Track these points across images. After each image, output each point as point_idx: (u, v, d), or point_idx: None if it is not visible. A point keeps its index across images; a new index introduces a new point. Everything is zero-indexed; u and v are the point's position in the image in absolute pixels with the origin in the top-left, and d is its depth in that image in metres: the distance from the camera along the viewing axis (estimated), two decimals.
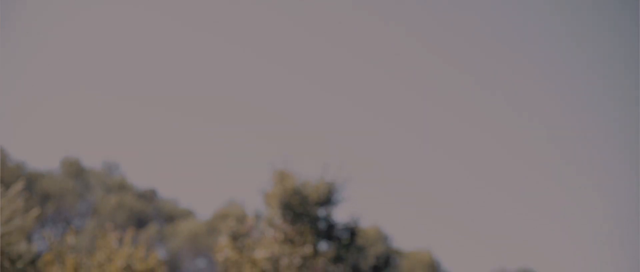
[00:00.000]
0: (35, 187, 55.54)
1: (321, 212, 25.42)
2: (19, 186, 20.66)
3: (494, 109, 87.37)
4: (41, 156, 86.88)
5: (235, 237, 24.45)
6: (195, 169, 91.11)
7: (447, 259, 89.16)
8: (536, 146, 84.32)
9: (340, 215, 25.89)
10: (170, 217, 61.63)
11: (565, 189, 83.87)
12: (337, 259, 25.02)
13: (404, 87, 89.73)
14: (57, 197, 56.54)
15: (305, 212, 24.79)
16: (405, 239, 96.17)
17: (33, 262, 22.25)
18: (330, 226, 25.53)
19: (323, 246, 25.51)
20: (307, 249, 24.13)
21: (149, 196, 62.14)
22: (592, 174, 76.20)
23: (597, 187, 76.14)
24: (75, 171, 60.29)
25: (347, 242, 25.65)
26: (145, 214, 59.49)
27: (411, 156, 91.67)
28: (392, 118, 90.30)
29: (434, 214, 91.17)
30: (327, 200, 25.34)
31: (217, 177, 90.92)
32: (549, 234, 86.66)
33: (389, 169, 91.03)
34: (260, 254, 23.90)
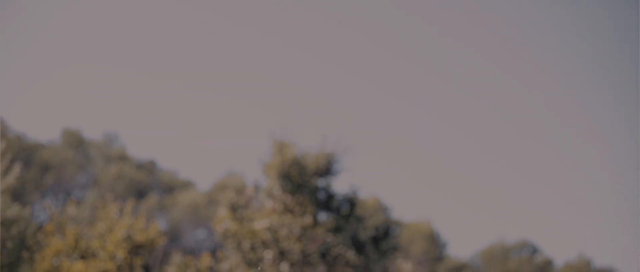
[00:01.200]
0: (35, 158, 55.59)
1: (320, 182, 25.45)
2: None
3: (494, 81, 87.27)
4: (41, 126, 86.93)
5: (234, 209, 24.49)
6: (195, 140, 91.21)
7: (447, 230, 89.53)
8: (538, 118, 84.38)
9: (340, 186, 25.95)
10: (170, 188, 61.73)
11: (566, 161, 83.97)
12: (337, 230, 25.08)
13: (404, 58, 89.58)
14: (58, 168, 56.61)
15: (304, 182, 24.81)
16: (405, 210, 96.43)
17: (33, 232, 22.33)
18: (330, 197, 25.57)
19: (322, 216, 25.57)
20: (307, 220, 24.19)
21: (148, 167, 62.22)
22: (594, 147, 76.26)
23: (598, 161, 76.20)
24: (76, 141, 60.31)
25: (346, 212, 25.70)
26: (145, 185, 59.59)
27: (412, 128, 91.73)
28: (392, 90, 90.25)
29: (435, 185, 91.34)
30: (327, 170, 25.36)
31: (217, 148, 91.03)
32: (549, 207, 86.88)
33: (389, 140, 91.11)
34: (260, 224, 23.95)
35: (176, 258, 18.82)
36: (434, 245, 59.01)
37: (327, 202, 25.52)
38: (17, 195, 47.84)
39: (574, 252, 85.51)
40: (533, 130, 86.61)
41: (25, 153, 54.70)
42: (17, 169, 22.68)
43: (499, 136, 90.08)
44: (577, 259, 61.12)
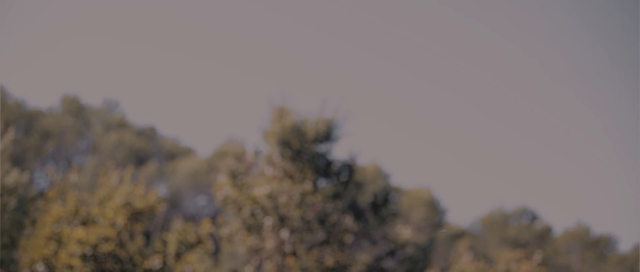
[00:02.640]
0: (35, 125, 55.63)
1: (320, 149, 25.45)
2: None
3: (493, 47, 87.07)
4: (41, 93, 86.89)
5: (234, 175, 24.51)
6: (196, 106, 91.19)
7: (447, 197, 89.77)
8: (538, 86, 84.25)
9: (339, 152, 25.97)
10: (170, 154, 61.81)
11: (566, 130, 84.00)
12: (336, 196, 25.13)
13: (402, 24, 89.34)
14: (58, 135, 56.67)
15: (304, 149, 24.82)
16: (405, 177, 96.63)
17: (34, 199, 22.42)
18: (329, 163, 25.59)
19: (322, 182, 25.60)
20: (306, 186, 24.22)
21: (148, 134, 62.26)
22: (594, 115, 76.25)
23: (598, 130, 76.23)
24: (75, 108, 60.32)
25: (345, 179, 25.73)
26: (145, 152, 59.66)
27: (413, 95, 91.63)
28: (392, 56, 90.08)
29: (435, 153, 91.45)
30: (326, 137, 25.35)
31: (218, 114, 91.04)
32: (549, 175, 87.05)
33: (389, 107, 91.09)
34: (260, 191, 23.99)
35: (177, 224, 18.86)
36: (434, 212, 59.21)
37: (327, 169, 25.54)
38: (18, 162, 47.93)
39: (573, 219, 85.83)
40: (533, 98, 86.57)
41: (25, 120, 54.75)
42: (11, 133, 22.67)
43: (500, 103, 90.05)
44: (576, 226, 61.37)
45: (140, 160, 57.56)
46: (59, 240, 17.36)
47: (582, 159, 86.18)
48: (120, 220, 17.51)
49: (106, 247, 17.13)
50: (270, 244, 24.12)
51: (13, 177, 21.50)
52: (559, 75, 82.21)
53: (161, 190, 55.00)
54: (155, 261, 17.56)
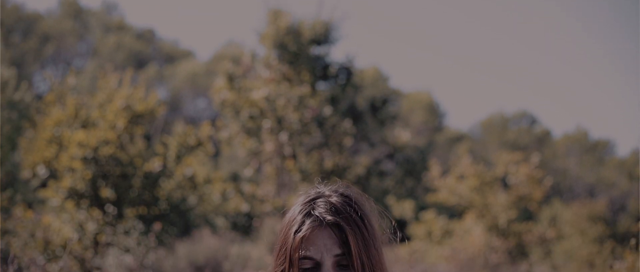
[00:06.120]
0: (34, 29, 55.41)
1: (317, 51, 25.42)
2: None
3: None
4: None
5: (232, 79, 24.54)
6: (195, 8, 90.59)
7: (447, 101, 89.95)
8: None
9: (338, 55, 25.98)
10: (169, 57, 61.72)
11: (565, 33, 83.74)
12: (334, 99, 25.20)
13: None
14: (57, 38, 56.49)
15: (300, 51, 24.79)
16: (405, 80, 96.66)
17: (33, 102, 22.49)
18: (327, 66, 25.60)
19: (320, 85, 25.66)
20: (304, 89, 24.25)
21: (147, 36, 62.04)
22: (593, 18, 75.90)
23: (597, 34, 75.98)
24: (74, 11, 59.97)
25: (344, 81, 25.78)
26: (145, 55, 59.56)
27: None
28: None
29: (435, 55, 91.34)
30: (324, 39, 25.30)
31: (218, 16, 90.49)
32: (548, 78, 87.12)
33: (389, 9, 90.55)
34: (257, 94, 24.04)
35: (178, 127, 18.93)
36: (434, 115, 59.39)
37: (325, 72, 25.56)
38: (17, 65, 47.92)
39: (572, 123, 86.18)
40: (533, 1, 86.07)
41: (24, 23, 54.50)
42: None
43: (500, 5, 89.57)
44: (574, 130, 61.67)
45: (139, 63, 57.49)
46: (59, 143, 17.45)
47: (581, 63, 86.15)
48: (121, 123, 17.57)
49: (107, 150, 17.22)
50: (269, 146, 24.28)
51: (9, 74, 21.52)
52: None
53: (161, 93, 55.07)
54: (156, 164, 17.71)
